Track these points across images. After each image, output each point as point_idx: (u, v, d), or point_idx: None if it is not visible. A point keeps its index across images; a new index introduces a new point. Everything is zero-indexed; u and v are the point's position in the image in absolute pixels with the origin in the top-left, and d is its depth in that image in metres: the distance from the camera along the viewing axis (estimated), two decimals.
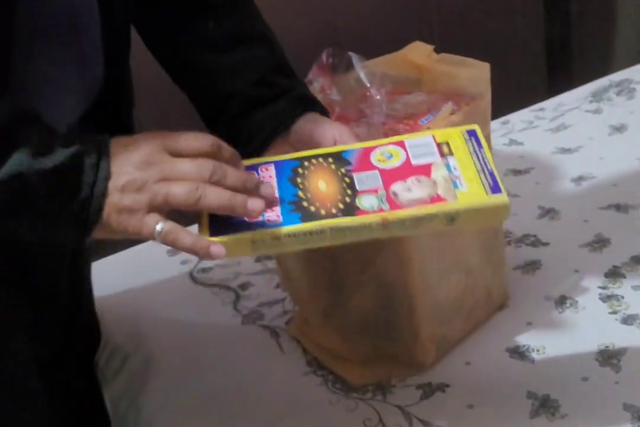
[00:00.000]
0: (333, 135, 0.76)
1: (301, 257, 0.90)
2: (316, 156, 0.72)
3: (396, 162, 0.70)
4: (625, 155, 1.28)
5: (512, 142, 1.39)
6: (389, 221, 0.66)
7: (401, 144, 0.72)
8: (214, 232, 0.66)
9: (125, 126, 0.86)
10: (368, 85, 0.90)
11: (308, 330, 0.97)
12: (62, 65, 0.76)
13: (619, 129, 1.36)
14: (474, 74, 0.91)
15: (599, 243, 1.08)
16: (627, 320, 0.94)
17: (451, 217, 0.67)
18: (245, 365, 0.98)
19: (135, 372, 1.00)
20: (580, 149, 1.33)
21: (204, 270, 1.16)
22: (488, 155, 0.70)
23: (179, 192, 0.63)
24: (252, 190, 0.65)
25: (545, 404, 0.84)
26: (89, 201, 0.62)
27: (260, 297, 1.08)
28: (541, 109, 1.48)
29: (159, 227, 0.63)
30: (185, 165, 0.64)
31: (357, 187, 0.69)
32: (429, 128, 0.82)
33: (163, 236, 0.63)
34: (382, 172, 0.70)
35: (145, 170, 0.63)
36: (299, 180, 0.70)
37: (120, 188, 0.63)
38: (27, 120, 0.65)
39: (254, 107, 0.81)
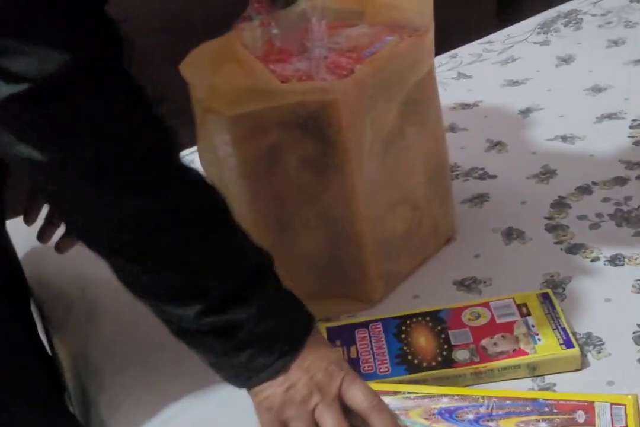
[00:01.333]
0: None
1: (246, 195, 0.89)
2: (416, 315, 0.85)
3: (483, 321, 0.83)
4: (572, 86, 1.28)
5: (461, 75, 1.38)
6: (480, 371, 0.78)
7: (487, 305, 0.85)
8: None
9: None
10: (309, 18, 0.88)
11: None
12: None
13: (567, 60, 1.36)
14: (418, 6, 0.89)
15: (546, 174, 1.09)
16: (572, 249, 0.95)
17: (533, 367, 0.78)
18: None
19: (81, 317, 0.99)
20: (528, 81, 1.32)
21: None
22: (561, 315, 0.82)
23: None
24: None
25: None
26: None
27: None
28: (489, 42, 1.47)
29: None
30: None
31: (452, 342, 0.81)
32: None
33: None
34: (472, 329, 0.82)
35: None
36: (403, 336, 0.83)
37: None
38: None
39: None
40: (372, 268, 0.90)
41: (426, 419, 0.71)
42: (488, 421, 0.71)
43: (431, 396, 0.73)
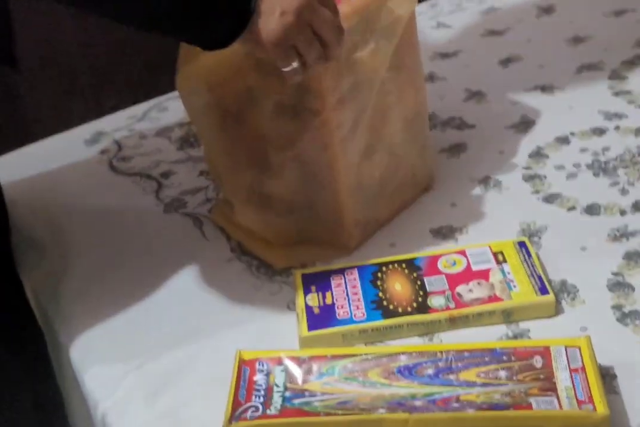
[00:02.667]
0: None
1: (224, 136, 0.88)
2: (392, 262, 0.85)
3: (459, 268, 0.83)
4: (552, 36, 1.26)
5: (440, 24, 1.36)
6: (455, 317, 0.78)
7: (463, 253, 0.85)
8: (311, 327, 0.78)
9: None
10: None
11: (232, 216, 0.95)
12: None
13: (547, 10, 1.34)
14: None
15: (524, 124, 1.08)
16: (549, 199, 0.94)
17: (507, 313, 0.79)
18: (168, 253, 0.96)
19: (54, 262, 0.98)
20: (508, 31, 1.30)
21: (124, 159, 1.12)
22: (536, 262, 0.83)
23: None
24: None
25: None
26: None
27: (182, 185, 1.06)
28: None
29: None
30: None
31: (428, 289, 0.81)
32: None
33: None
34: (448, 276, 0.82)
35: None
36: (378, 282, 0.82)
37: None
38: None
39: None
40: (347, 214, 0.89)
41: (386, 378, 0.71)
42: (448, 374, 0.71)
43: (389, 355, 0.73)
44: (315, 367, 0.73)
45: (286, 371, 0.73)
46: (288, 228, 0.91)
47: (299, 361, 0.74)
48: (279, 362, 0.74)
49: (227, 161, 0.90)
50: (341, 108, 0.84)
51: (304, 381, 0.72)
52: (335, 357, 0.74)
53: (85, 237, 1.00)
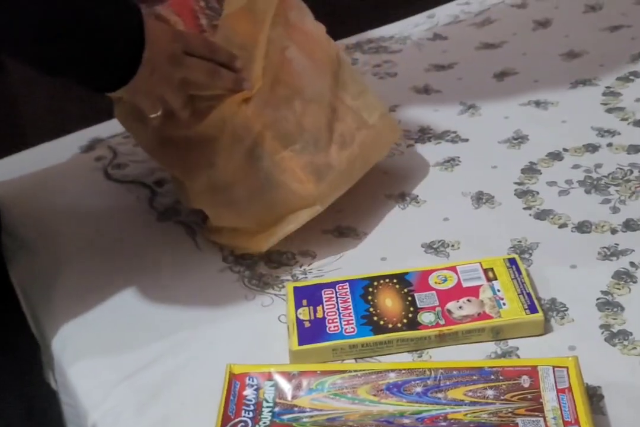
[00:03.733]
0: None
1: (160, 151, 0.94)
2: (383, 277, 0.85)
3: (450, 284, 0.83)
4: (547, 51, 1.27)
5: (437, 36, 1.37)
6: (445, 334, 0.79)
7: (454, 269, 0.85)
8: (301, 341, 0.79)
9: None
10: None
11: (215, 226, 0.96)
12: None
13: (543, 24, 1.35)
14: None
15: (518, 139, 1.09)
16: (541, 215, 0.95)
17: (496, 331, 0.79)
18: (160, 261, 0.96)
19: (46, 266, 0.98)
20: (504, 45, 1.31)
21: (118, 166, 1.13)
22: (526, 280, 0.83)
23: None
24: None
25: None
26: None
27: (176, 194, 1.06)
28: (467, 3, 1.46)
29: None
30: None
31: (418, 304, 0.81)
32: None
33: None
34: (439, 292, 0.82)
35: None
36: (369, 297, 0.83)
37: None
38: None
39: None
40: (292, 164, 0.89)
41: (374, 395, 0.72)
42: (436, 392, 0.71)
43: (378, 372, 0.74)
44: (304, 382, 0.73)
45: (276, 386, 0.73)
46: (257, 210, 0.91)
47: (289, 376, 0.74)
48: (269, 377, 0.74)
49: (176, 171, 0.94)
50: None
51: (294, 397, 0.72)
52: (325, 373, 0.74)
53: (77, 242, 1.00)
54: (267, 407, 0.71)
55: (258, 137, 0.87)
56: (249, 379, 0.74)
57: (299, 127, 0.90)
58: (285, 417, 0.70)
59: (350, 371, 0.74)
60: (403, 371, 0.73)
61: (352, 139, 0.95)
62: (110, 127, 1.20)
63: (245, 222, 0.93)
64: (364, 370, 0.74)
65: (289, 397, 0.72)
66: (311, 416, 0.70)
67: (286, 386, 0.73)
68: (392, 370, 0.74)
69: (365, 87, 0.99)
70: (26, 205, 1.07)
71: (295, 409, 0.71)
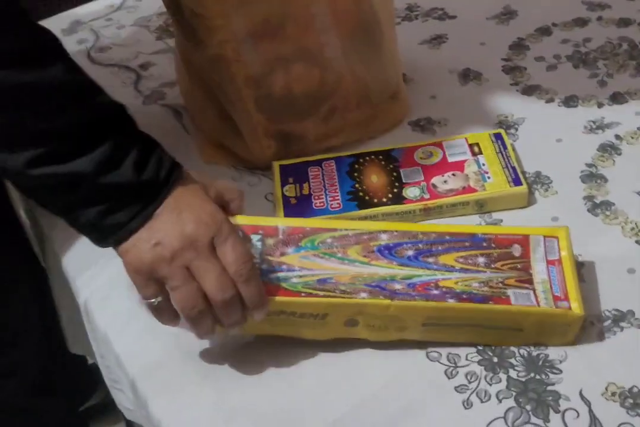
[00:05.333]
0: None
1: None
2: (369, 154, 0.85)
3: (435, 159, 0.84)
4: None
5: None
6: (429, 207, 0.79)
7: (439, 144, 0.85)
8: (287, 216, 0.80)
9: None
10: None
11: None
12: None
13: None
14: None
15: (506, 15, 1.07)
16: (528, 91, 0.94)
17: (480, 204, 0.80)
18: None
19: None
20: None
21: (101, 49, 1.11)
22: (511, 154, 0.83)
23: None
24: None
25: None
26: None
27: (162, 77, 1.05)
28: None
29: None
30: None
31: (404, 180, 0.82)
32: None
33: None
34: (424, 167, 0.82)
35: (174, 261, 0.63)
36: (355, 174, 0.83)
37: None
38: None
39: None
40: (258, 128, 0.86)
41: (365, 256, 0.70)
42: (427, 256, 0.71)
43: (370, 233, 0.72)
44: (293, 239, 0.71)
45: (262, 240, 0.70)
46: (223, 131, 0.90)
47: (276, 231, 0.71)
48: (255, 230, 0.71)
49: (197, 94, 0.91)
50: (232, 14, 0.78)
51: (282, 253, 0.70)
52: (314, 230, 0.72)
53: None
54: (255, 263, 0.67)
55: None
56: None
57: (286, 90, 0.84)
58: (274, 275, 0.68)
59: (340, 230, 0.72)
60: (395, 233, 0.72)
61: (345, 113, 0.89)
62: (91, 10, 1.18)
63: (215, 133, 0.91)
64: (355, 229, 0.72)
65: (277, 254, 0.70)
66: (300, 276, 0.68)
67: (273, 241, 0.70)
68: (385, 231, 0.72)
69: (386, 56, 0.89)
70: None
71: (284, 266, 0.69)
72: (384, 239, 0.71)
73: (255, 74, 0.82)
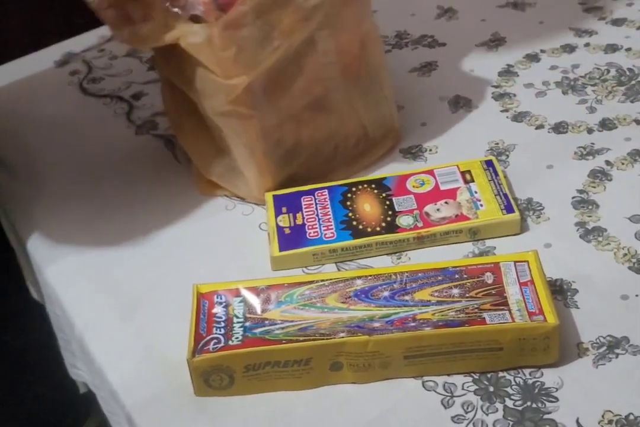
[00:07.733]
0: None
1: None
2: (362, 182, 0.86)
3: (428, 187, 0.84)
4: None
5: None
6: (423, 236, 0.80)
7: (431, 172, 0.85)
8: (282, 247, 0.80)
9: None
10: None
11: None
12: None
13: None
14: None
15: (495, 42, 1.08)
16: (518, 117, 0.95)
17: (473, 231, 0.80)
18: (140, 175, 0.96)
19: (24, 183, 0.98)
20: None
21: (94, 80, 1.12)
22: (503, 181, 0.84)
23: None
24: None
25: None
26: None
27: (154, 106, 1.06)
28: None
29: None
30: None
31: (397, 208, 0.82)
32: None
33: None
34: (416, 196, 0.83)
35: None
36: (348, 203, 0.84)
37: None
38: None
39: None
40: (265, 176, 0.87)
41: (343, 302, 0.73)
42: (403, 295, 0.72)
43: (344, 280, 0.74)
44: (273, 296, 0.74)
45: (245, 301, 0.74)
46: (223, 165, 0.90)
47: (256, 291, 0.74)
48: (237, 293, 0.74)
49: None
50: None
51: (263, 311, 0.73)
52: (292, 285, 0.74)
53: (55, 159, 1.00)
54: (238, 322, 0.72)
55: None
56: (217, 297, 0.74)
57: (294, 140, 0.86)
58: (257, 330, 0.71)
59: (317, 281, 0.75)
60: (369, 277, 0.74)
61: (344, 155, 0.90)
62: (84, 41, 1.19)
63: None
64: (330, 279, 0.75)
65: (259, 311, 0.73)
66: (282, 328, 0.71)
67: (255, 301, 0.73)
68: (359, 277, 0.74)
69: (382, 93, 0.91)
70: (1, 121, 1.07)
71: (266, 322, 0.71)
72: (359, 284, 0.74)
73: (268, 128, 0.84)
